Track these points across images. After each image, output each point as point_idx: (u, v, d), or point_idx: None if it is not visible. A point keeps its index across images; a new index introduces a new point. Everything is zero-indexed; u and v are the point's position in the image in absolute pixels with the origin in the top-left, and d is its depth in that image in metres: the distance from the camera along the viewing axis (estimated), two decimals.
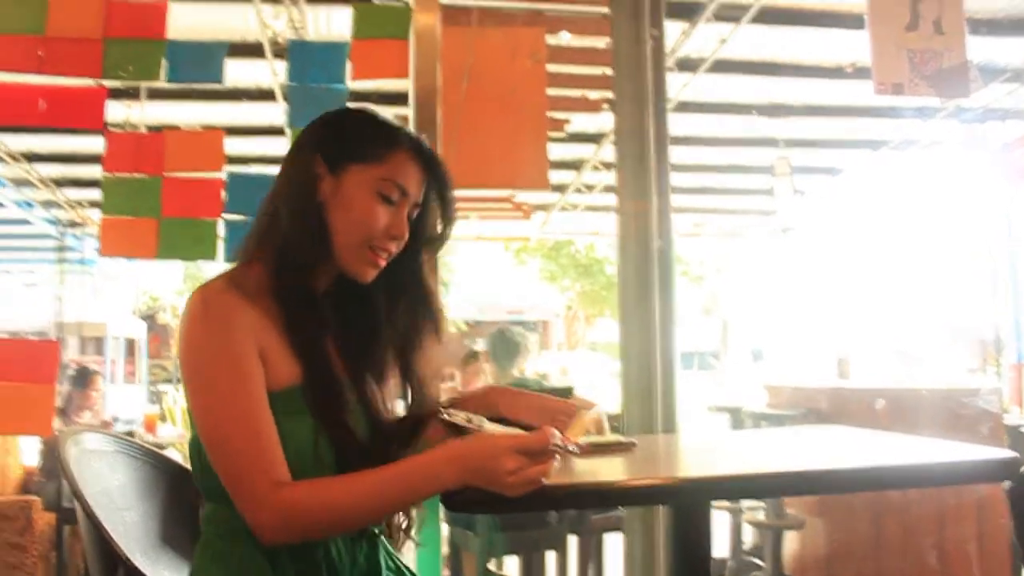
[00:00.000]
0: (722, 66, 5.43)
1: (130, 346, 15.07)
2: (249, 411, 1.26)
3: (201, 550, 1.36)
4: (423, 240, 1.50)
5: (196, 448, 1.33)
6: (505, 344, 4.21)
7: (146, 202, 2.92)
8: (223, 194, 2.95)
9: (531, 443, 1.17)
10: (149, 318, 14.95)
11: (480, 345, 5.62)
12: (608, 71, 3.06)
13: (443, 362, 1.56)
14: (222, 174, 2.97)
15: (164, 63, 2.93)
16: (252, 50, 4.80)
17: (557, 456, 1.18)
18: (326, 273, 1.43)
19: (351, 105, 1.55)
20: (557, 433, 1.18)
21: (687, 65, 5.34)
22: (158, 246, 2.93)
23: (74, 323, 10.89)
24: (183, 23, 3.07)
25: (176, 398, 10.25)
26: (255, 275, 1.37)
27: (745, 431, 4.52)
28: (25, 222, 9.44)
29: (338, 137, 1.44)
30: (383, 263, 1.43)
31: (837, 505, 4.26)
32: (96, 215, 8.88)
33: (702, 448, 1.81)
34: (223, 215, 2.95)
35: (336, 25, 4.77)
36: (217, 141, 3.03)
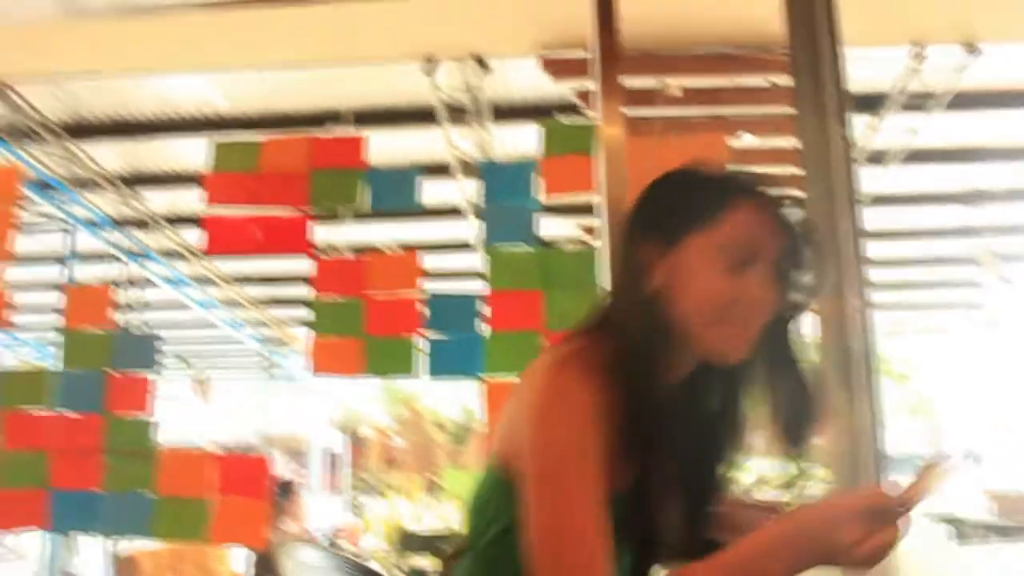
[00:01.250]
0: (915, 156, 5.24)
1: (329, 457, 15.68)
2: (587, 508, 1.06)
3: None
4: (790, 302, 1.22)
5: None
6: None
7: (350, 322, 3.07)
8: (421, 311, 3.07)
9: (877, 502, 0.97)
10: (348, 430, 15.55)
11: None
12: (791, 169, 3.02)
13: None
14: (419, 292, 3.10)
15: (364, 189, 3.12)
16: (440, 169, 5.02)
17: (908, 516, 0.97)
18: (680, 363, 1.22)
19: (686, 168, 1.27)
20: (902, 485, 0.98)
21: (878, 158, 5.18)
22: (363, 364, 3.06)
23: (279, 436, 11.45)
24: (377, 147, 3.26)
25: (373, 508, 10.51)
26: (599, 351, 1.16)
27: (971, 545, 4.19)
28: (235, 341, 10.13)
29: (661, 209, 1.24)
30: (750, 337, 1.18)
31: None
32: (297, 332, 9.43)
33: (923, 564, 1.69)
34: (422, 331, 3.06)
35: (521, 139, 4.93)
36: (413, 262, 3.16)
